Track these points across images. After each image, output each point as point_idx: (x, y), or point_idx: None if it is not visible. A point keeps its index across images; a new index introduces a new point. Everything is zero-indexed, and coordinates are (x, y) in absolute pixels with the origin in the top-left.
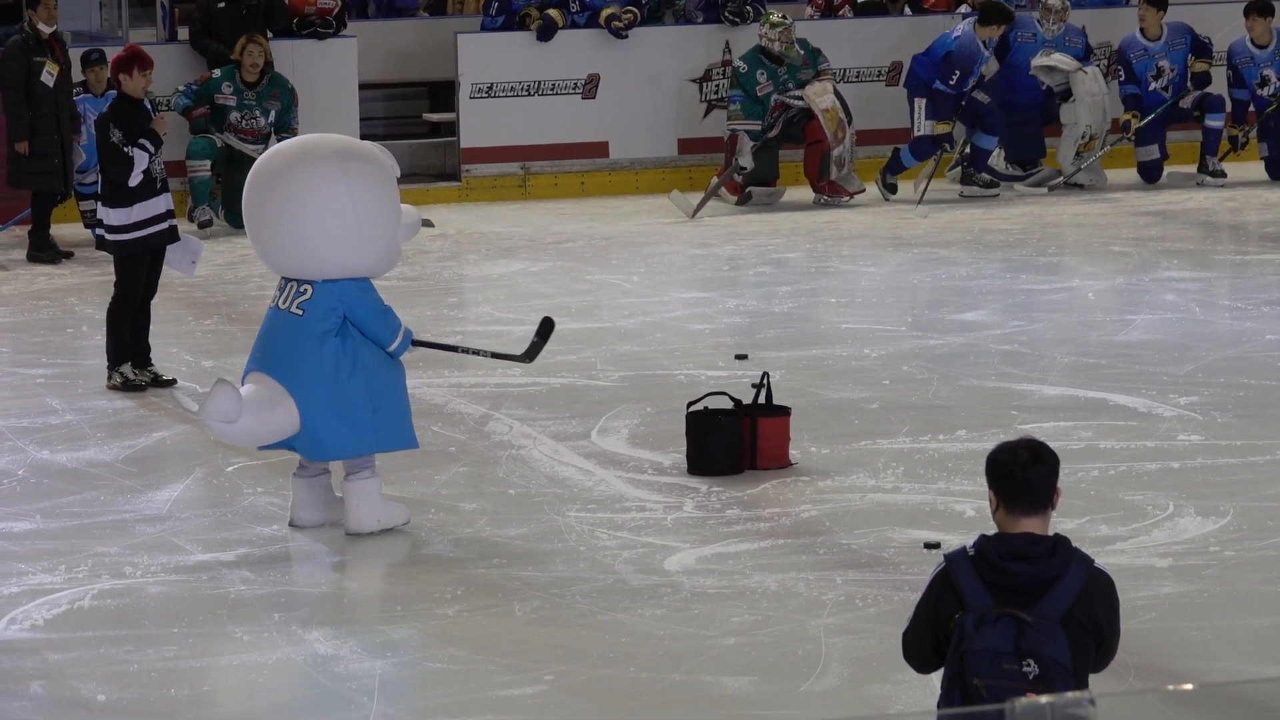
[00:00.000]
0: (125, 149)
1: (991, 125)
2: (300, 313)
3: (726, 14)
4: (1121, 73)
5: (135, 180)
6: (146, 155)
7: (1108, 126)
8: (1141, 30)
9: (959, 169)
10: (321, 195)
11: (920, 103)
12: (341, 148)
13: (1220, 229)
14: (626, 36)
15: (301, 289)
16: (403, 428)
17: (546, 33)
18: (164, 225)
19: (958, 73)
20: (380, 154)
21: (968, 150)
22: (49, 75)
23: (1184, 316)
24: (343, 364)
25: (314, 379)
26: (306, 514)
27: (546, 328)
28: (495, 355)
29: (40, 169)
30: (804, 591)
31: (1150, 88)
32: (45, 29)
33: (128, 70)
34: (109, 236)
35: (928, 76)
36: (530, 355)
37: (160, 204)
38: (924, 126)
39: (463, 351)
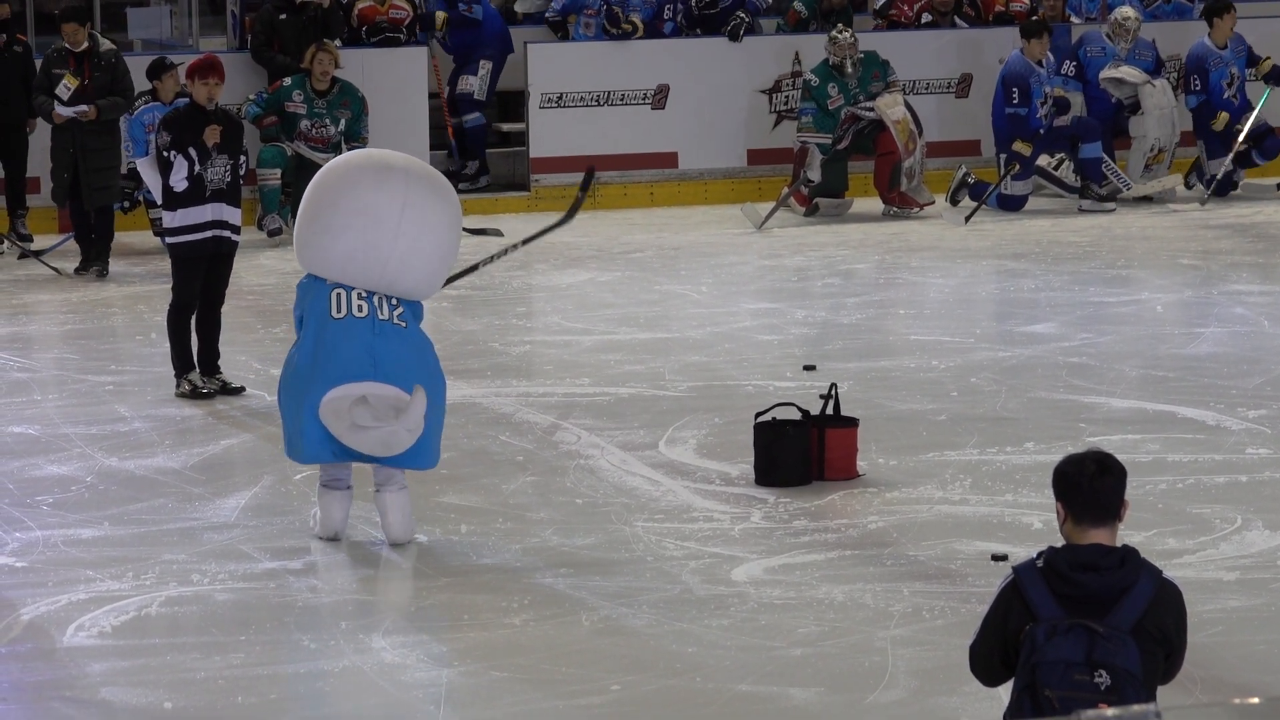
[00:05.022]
0: (166, 153)
1: (1089, 134)
2: (404, 324)
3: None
4: (1197, 82)
5: (180, 185)
6: (187, 162)
7: (1177, 139)
8: (1209, 38)
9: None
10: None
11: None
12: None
13: None
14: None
15: (391, 301)
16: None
17: (613, 21)
18: (205, 234)
19: (1016, 90)
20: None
21: (1073, 168)
22: (65, 89)
23: (1253, 330)
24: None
25: (438, 388)
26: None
27: (588, 178)
28: (528, 240)
29: (106, 184)
30: (871, 603)
31: (1224, 95)
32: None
33: (190, 77)
34: (165, 239)
35: (1000, 120)
36: (572, 211)
37: (206, 212)
38: (1007, 184)
39: (486, 263)
